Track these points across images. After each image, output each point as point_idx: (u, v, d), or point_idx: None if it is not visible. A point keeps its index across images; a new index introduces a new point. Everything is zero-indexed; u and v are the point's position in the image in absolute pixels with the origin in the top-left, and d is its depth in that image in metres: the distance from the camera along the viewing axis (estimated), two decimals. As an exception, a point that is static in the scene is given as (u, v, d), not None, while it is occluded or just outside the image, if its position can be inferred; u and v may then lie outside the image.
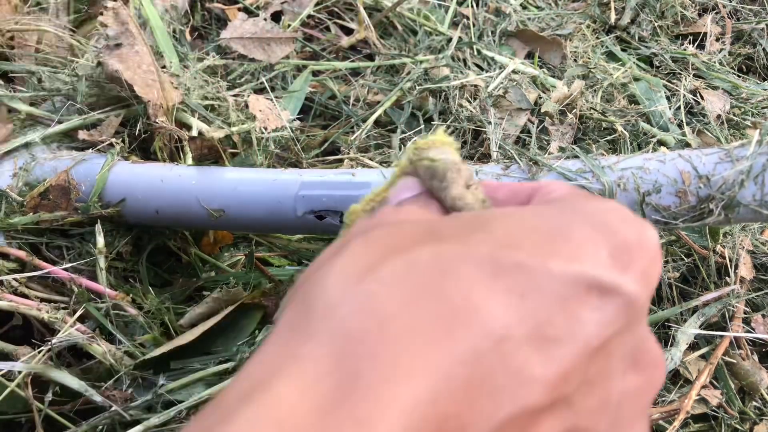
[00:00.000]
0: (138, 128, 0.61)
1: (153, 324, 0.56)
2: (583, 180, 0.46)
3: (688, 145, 0.78)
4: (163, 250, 0.63)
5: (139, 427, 0.47)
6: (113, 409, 0.48)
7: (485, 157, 0.73)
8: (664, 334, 0.62)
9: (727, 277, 0.64)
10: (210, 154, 0.63)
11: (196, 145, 0.61)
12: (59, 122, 0.62)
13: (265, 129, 0.69)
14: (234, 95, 0.71)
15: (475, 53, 0.87)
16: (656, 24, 0.97)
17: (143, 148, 0.64)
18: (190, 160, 0.61)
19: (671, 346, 0.60)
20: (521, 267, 0.17)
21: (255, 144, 0.68)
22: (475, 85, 0.78)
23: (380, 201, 0.25)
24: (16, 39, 0.80)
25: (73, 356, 0.57)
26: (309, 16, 0.92)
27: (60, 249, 0.57)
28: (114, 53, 0.59)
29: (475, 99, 0.78)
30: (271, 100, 0.75)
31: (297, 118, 0.77)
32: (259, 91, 0.81)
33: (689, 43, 0.96)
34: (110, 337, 0.55)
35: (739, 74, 0.95)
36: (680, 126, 0.81)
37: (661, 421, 0.57)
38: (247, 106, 0.70)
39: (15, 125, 0.63)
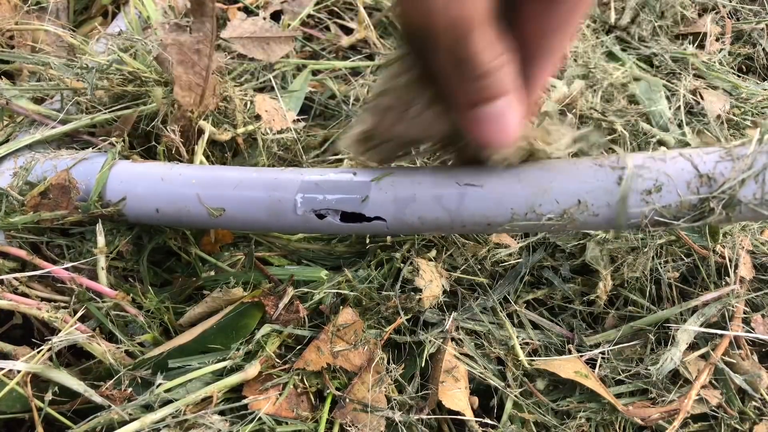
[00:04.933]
0: (148, 127, 0.61)
1: (152, 323, 0.56)
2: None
3: (687, 145, 0.78)
4: (163, 249, 0.63)
5: (135, 424, 0.47)
6: (112, 408, 0.48)
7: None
8: (663, 334, 0.62)
9: (727, 277, 0.64)
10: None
11: None
12: (65, 122, 0.61)
13: (270, 130, 0.69)
14: (237, 95, 0.71)
15: (475, 53, 0.87)
16: (656, 24, 0.97)
17: (147, 148, 0.64)
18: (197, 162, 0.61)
19: (671, 346, 0.60)
20: None
21: (261, 145, 0.69)
22: (475, 85, 0.78)
23: None
24: (16, 39, 0.80)
25: (73, 355, 0.57)
26: (309, 16, 0.92)
27: (60, 248, 0.57)
28: (179, 37, 0.57)
29: (475, 99, 0.78)
30: (277, 99, 0.75)
31: (298, 119, 0.77)
32: (259, 90, 0.81)
33: (689, 43, 0.96)
34: (110, 337, 0.55)
35: (739, 74, 0.95)
36: (680, 126, 0.81)
37: (660, 421, 0.57)
38: (250, 104, 0.70)
39: (17, 124, 0.63)
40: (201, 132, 0.64)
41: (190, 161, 0.63)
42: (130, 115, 0.62)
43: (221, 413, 0.50)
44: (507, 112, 0.40)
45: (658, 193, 0.45)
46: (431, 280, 0.60)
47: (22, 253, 0.55)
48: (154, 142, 0.63)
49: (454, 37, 0.34)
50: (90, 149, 0.59)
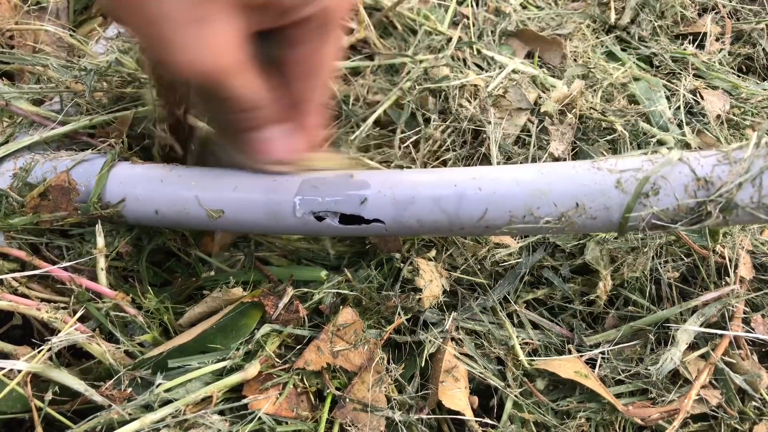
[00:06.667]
0: (141, 129, 0.61)
1: (152, 324, 0.56)
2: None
3: (687, 145, 0.78)
4: (163, 249, 0.63)
5: (135, 424, 0.47)
6: (112, 408, 0.48)
7: (485, 158, 0.73)
8: (663, 334, 0.62)
9: (726, 277, 0.64)
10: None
11: None
12: (64, 123, 0.62)
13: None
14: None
15: (475, 53, 0.87)
16: (656, 24, 0.97)
17: (145, 149, 0.64)
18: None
19: (671, 346, 0.60)
20: None
21: None
22: (475, 85, 0.78)
23: None
24: (16, 39, 0.80)
25: (73, 356, 0.57)
26: (309, 16, 0.92)
27: (60, 249, 0.58)
28: None
29: (474, 99, 0.78)
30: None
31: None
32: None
33: (689, 43, 0.96)
34: (110, 337, 0.55)
35: (739, 74, 0.95)
36: (680, 126, 0.81)
37: (660, 421, 0.57)
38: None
39: (17, 125, 0.63)
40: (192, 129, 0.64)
41: (185, 158, 0.63)
42: (127, 116, 0.62)
43: (221, 413, 0.50)
44: (276, 136, 0.49)
45: (655, 196, 0.45)
46: (431, 280, 0.61)
47: (22, 254, 0.55)
48: (147, 141, 0.63)
49: (213, 83, 0.42)
50: (89, 150, 0.59)
